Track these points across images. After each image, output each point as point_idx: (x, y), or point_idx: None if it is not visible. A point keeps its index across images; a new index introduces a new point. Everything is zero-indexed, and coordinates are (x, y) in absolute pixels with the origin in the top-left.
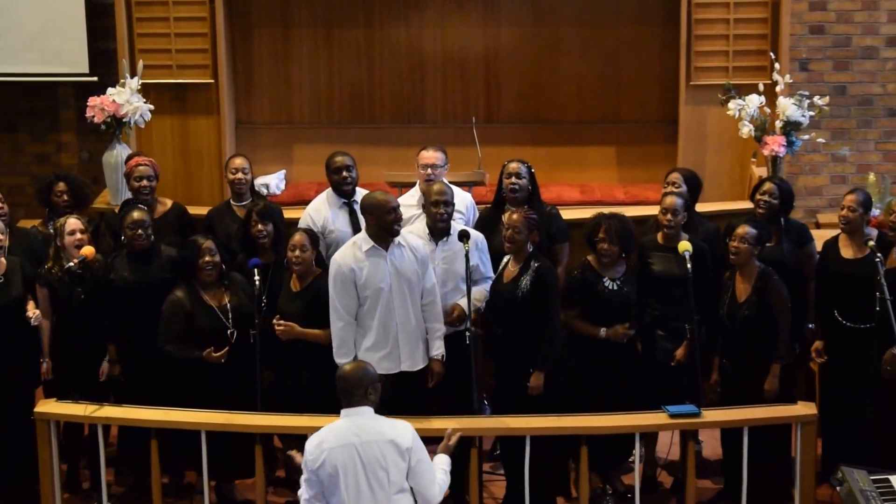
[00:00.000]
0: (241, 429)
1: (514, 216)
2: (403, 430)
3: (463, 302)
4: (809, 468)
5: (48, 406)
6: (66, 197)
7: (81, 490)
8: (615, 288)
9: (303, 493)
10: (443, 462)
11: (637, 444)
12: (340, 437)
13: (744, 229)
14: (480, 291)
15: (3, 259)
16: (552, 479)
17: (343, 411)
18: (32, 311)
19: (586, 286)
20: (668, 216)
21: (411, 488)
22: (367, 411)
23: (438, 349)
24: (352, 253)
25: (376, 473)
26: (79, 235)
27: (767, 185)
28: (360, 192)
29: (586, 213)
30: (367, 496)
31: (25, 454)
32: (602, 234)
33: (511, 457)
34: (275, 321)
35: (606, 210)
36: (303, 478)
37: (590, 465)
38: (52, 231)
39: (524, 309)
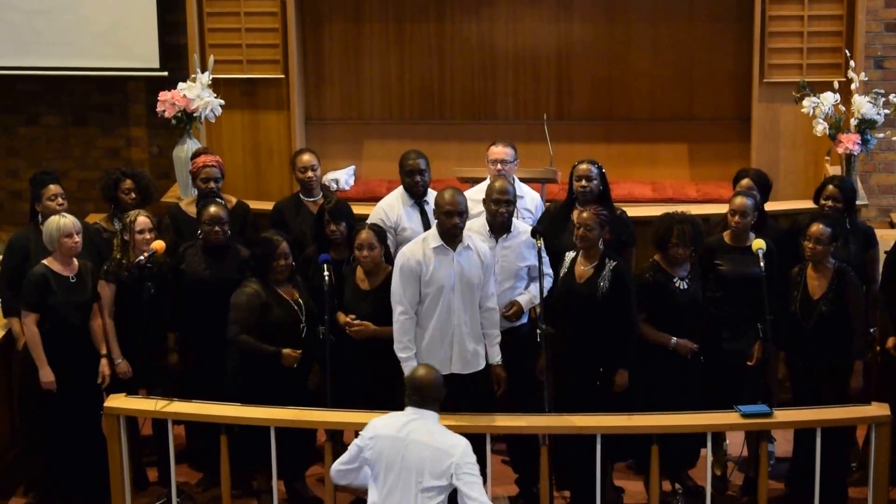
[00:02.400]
0: (310, 425)
1: (585, 214)
2: (456, 444)
3: (521, 298)
4: (883, 469)
5: (117, 401)
6: (133, 194)
7: (148, 485)
8: (685, 287)
9: (341, 459)
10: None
11: (709, 444)
12: (394, 428)
13: (818, 228)
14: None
15: (76, 260)
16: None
17: (409, 409)
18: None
19: (658, 288)
20: (737, 217)
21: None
22: (432, 416)
23: (497, 355)
24: (420, 248)
25: (410, 475)
26: (147, 235)
27: (830, 189)
28: (432, 192)
29: (658, 210)
30: (399, 494)
31: (100, 454)
32: (675, 240)
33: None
34: (349, 320)
35: (678, 208)
36: (349, 449)
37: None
38: (117, 227)
39: (604, 308)
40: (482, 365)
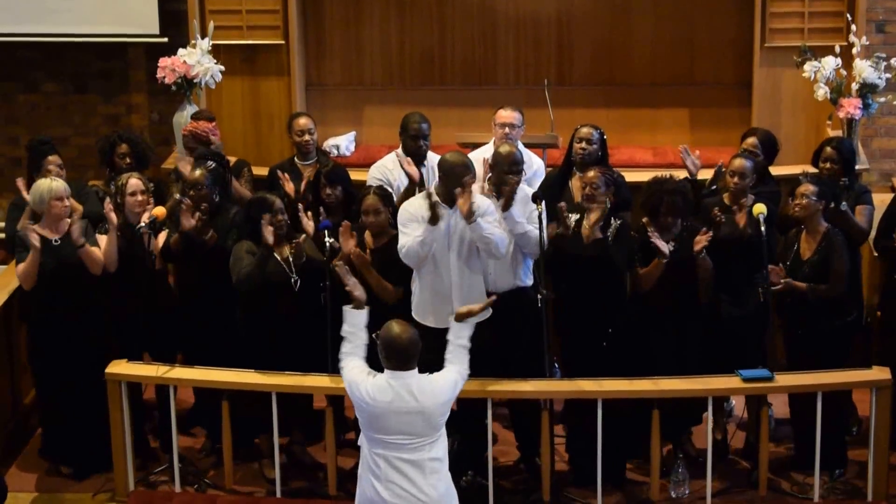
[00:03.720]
0: (312, 391)
1: (591, 173)
2: (453, 385)
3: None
4: (884, 434)
5: (119, 367)
6: (128, 159)
7: (150, 451)
8: (670, 250)
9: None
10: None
11: (709, 409)
12: (394, 402)
13: (805, 187)
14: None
15: (66, 222)
16: (622, 443)
17: (389, 373)
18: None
19: (643, 246)
20: (735, 179)
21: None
22: (414, 374)
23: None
24: (419, 203)
25: (418, 431)
26: (139, 197)
27: (827, 151)
28: (431, 156)
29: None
30: (404, 447)
31: (102, 417)
32: (665, 211)
33: (581, 421)
34: (351, 250)
35: (678, 174)
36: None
37: (661, 429)
38: (113, 190)
39: (611, 266)
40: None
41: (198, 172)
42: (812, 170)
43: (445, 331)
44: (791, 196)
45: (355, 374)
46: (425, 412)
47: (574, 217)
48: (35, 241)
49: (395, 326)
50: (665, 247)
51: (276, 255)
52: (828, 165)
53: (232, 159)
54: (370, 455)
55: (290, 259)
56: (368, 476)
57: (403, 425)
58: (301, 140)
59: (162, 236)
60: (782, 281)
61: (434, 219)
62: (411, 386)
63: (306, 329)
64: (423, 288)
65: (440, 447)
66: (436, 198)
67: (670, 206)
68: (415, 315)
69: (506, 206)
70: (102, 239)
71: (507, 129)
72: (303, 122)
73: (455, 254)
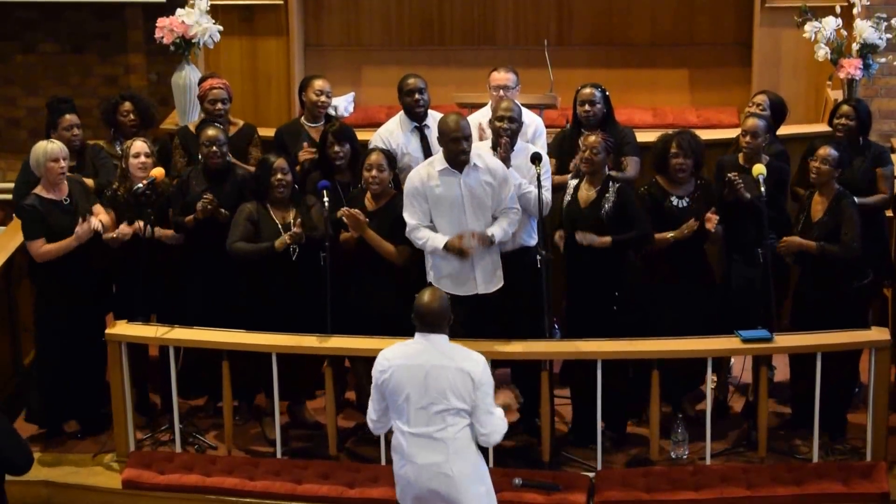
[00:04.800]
0: (311, 351)
1: (591, 138)
2: (477, 361)
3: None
4: (883, 394)
5: (119, 328)
6: (132, 117)
7: (152, 411)
8: (683, 206)
9: (370, 414)
10: (500, 412)
11: (709, 369)
12: (410, 358)
13: (825, 150)
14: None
15: (67, 182)
16: (622, 403)
17: (418, 335)
18: (97, 221)
19: (653, 203)
20: (748, 138)
21: (471, 418)
22: (443, 339)
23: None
24: (426, 171)
25: (439, 398)
26: (143, 158)
27: (844, 108)
28: (432, 115)
29: (658, 135)
30: (424, 418)
31: (101, 378)
32: (675, 149)
33: (581, 381)
34: (344, 210)
35: None
36: (371, 396)
37: (661, 390)
38: (119, 151)
39: (608, 231)
40: (501, 282)
41: (211, 131)
42: (826, 129)
43: (463, 297)
44: (806, 156)
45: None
46: (449, 371)
47: (573, 182)
48: (95, 227)
49: (426, 294)
50: (690, 227)
51: (275, 218)
52: (843, 121)
53: (239, 122)
54: (397, 433)
55: (290, 224)
56: (395, 448)
57: (429, 386)
58: (319, 100)
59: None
60: (785, 239)
61: (463, 255)
62: (440, 345)
63: (304, 292)
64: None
65: (463, 432)
66: (461, 245)
67: (679, 143)
68: (431, 281)
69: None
70: (100, 209)
71: (501, 91)
72: (319, 83)
73: (470, 215)
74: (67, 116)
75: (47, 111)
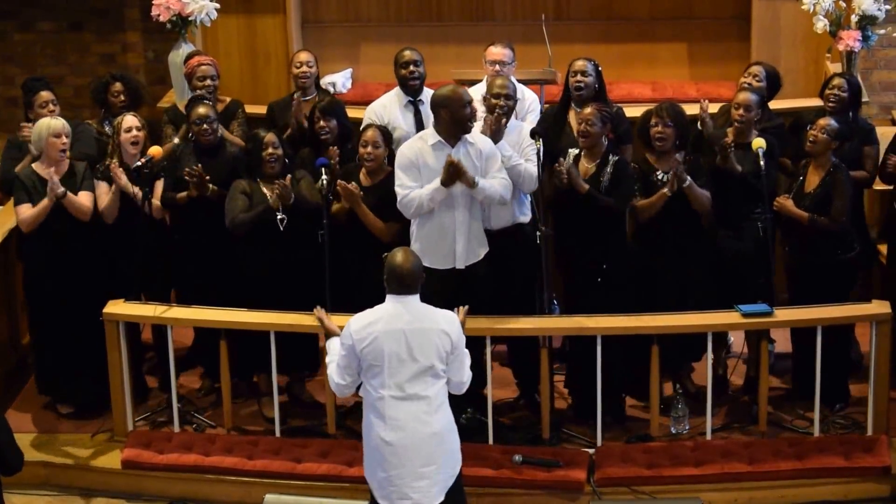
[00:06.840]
0: (310, 329)
1: (588, 110)
2: (452, 321)
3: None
4: (884, 367)
5: (116, 307)
6: (122, 97)
7: (148, 391)
8: (668, 180)
9: (334, 376)
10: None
11: (709, 344)
12: (390, 322)
13: (826, 120)
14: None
15: (66, 162)
16: (621, 378)
17: (391, 297)
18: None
19: (641, 177)
20: (741, 111)
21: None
22: (416, 299)
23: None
24: (418, 145)
25: (423, 359)
26: (135, 133)
27: (837, 80)
28: (427, 92)
29: None
30: (407, 380)
31: (101, 358)
32: (655, 119)
33: (581, 356)
34: (340, 182)
35: None
36: (335, 360)
37: (661, 365)
38: (108, 131)
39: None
40: (481, 255)
41: (202, 109)
42: (818, 102)
43: (447, 272)
44: (792, 129)
45: (332, 356)
46: (433, 333)
47: (573, 152)
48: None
49: (399, 254)
50: (685, 178)
51: (266, 192)
52: (835, 92)
53: (226, 99)
54: (375, 401)
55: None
56: (371, 419)
57: (412, 349)
58: (299, 71)
59: (158, 184)
60: (779, 200)
61: (449, 181)
62: (415, 308)
63: (299, 267)
64: (424, 228)
65: (441, 389)
66: (452, 158)
67: (658, 112)
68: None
69: (494, 139)
70: (101, 186)
71: (497, 67)
72: (303, 55)
73: (458, 191)
74: (43, 93)
75: (22, 92)
